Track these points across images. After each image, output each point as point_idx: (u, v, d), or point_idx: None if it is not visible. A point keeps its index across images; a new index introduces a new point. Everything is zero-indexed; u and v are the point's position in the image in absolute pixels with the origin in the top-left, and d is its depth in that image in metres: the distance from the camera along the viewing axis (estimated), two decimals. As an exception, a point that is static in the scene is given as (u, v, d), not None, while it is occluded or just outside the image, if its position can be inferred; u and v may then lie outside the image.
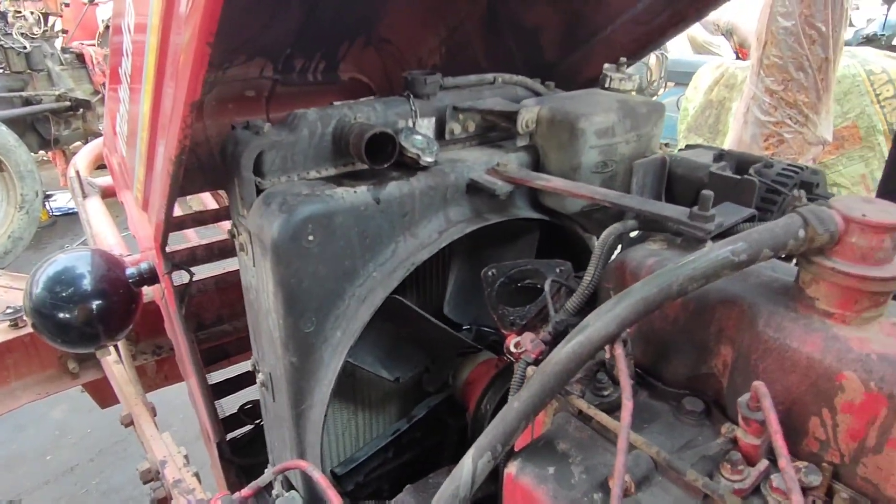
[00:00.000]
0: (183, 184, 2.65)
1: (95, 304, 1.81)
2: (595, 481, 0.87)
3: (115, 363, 2.04)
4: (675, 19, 1.57)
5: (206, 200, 3.00)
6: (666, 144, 7.72)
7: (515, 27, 1.98)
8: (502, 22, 2.03)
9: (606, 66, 1.51)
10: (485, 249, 1.47)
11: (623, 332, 0.82)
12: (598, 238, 1.05)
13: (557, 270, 1.19)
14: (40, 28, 6.73)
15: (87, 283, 1.81)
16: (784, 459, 0.68)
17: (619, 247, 1.16)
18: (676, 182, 1.21)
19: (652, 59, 9.70)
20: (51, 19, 7.16)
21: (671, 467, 0.82)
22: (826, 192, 1.17)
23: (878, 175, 4.67)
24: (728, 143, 3.69)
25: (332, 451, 1.54)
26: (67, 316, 1.79)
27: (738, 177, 1.08)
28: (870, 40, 6.02)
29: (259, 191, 1.23)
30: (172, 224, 2.50)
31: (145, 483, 1.63)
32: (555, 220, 1.44)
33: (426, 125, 1.42)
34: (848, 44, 6.12)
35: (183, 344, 1.74)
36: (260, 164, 1.23)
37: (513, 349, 1.07)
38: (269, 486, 1.40)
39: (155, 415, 1.90)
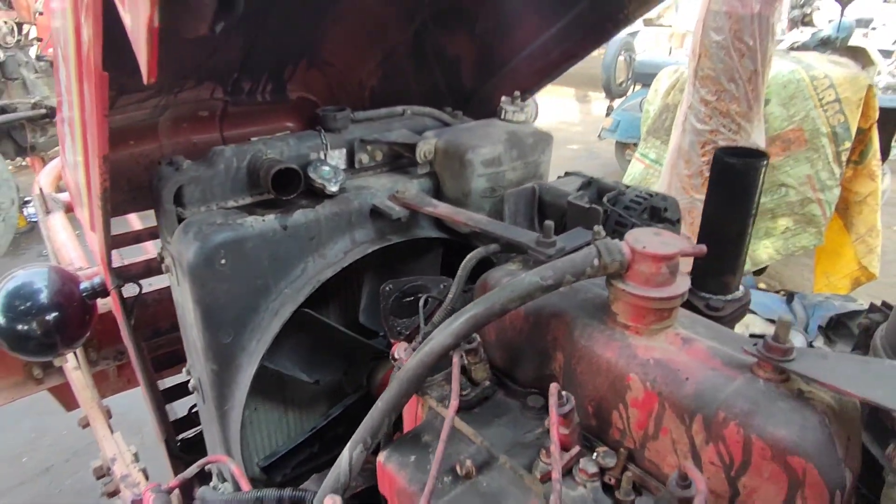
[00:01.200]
0: (138, 201, 2.79)
1: (52, 316, 1.96)
2: (446, 467, 1.05)
3: (75, 369, 2.20)
4: (566, 55, 1.76)
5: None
6: (634, 144, 7.94)
7: (439, 56, 2.16)
8: (427, 50, 2.20)
9: (503, 98, 1.68)
10: (394, 265, 1.64)
11: (459, 343, 1.00)
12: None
13: (441, 286, 1.36)
14: (14, 37, 6.82)
15: (43, 297, 1.97)
16: (553, 445, 0.86)
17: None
18: (546, 207, 1.39)
19: (620, 60, 9.93)
20: (25, 27, 7.24)
21: (492, 455, 1.00)
22: (674, 215, 1.35)
23: (823, 175, 4.89)
24: (669, 151, 3.89)
25: (264, 447, 1.71)
26: (26, 328, 1.94)
27: (588, 206, 1.26)
28: (825, 43, 6.22)
29: (181, 219, 1.39)
30: (129, 239, 2.66)
31: (98, 479, 1.79)
32: (455, 239, 1.61)
33: (337, 156, 1.59)
34: (805, 46, 6.34)
35: (132, 353, 1.90)
36: (181, 196, 1.39)
37: (395, 356, 1.24)
38: (201, 476, 1.57)
39: (110, 417, 2.06)
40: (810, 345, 4.57)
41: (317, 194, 1.47)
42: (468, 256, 1.20)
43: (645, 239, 0.98)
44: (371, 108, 2.64)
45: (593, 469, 0.95)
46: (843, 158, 4.80)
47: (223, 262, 1.32)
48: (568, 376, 1.08)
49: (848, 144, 4.73)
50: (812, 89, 4.78)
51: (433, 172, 1.60)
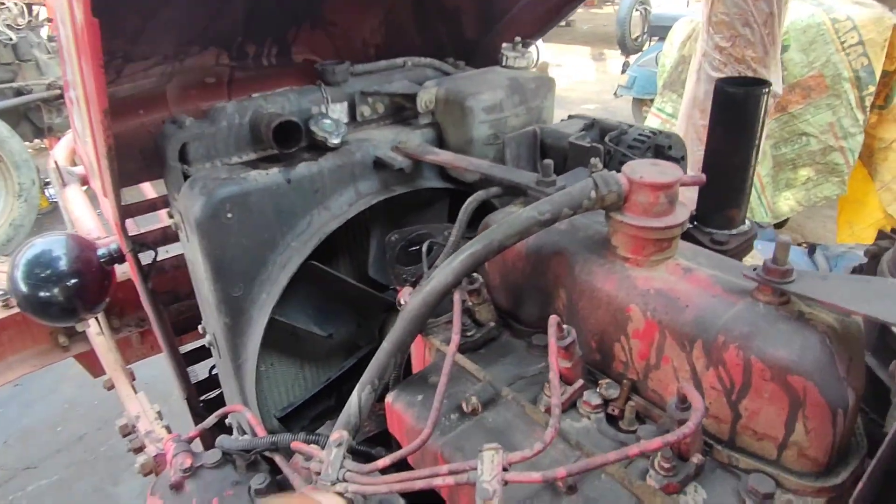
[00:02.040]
0: (151, 170, 2.82)
1: (72, 282, 2.01)
2: (452, 405, 1.07)
3: (98, 335, 2.26)
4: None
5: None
6: (651, 101, 7.78)
7: (439, 8, 2.12)
8: (428, 3, 2.17)
9: (504, 45, 1.65)
10: (400, 217, 1.65)
11: (460, 281, 1.01)
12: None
13: (445, 233, 1.37)
14: (25, 18, 6.85)
15: (62, 265, 2.02)
16: (552, 373, 0.86)
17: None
18: (548, 149, 1.37)
19: (635, 14, 9.67)
20: (35, 8, 7.27)
21: (497, 391, 1.01)
22: (678, 153, 1.33)
23: (846, 122, 4.76)
24: (684, 100, 3.80)
25: (282, 401, 1.75)
26: (48, 294, 2.00)
27: (589, 145, 1.25)
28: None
29: (186, 177, 1.41)
30: (144, 207, 2.70)
31: (124, 436, 1.85)
32: (460, 188, 1.61)
33: (339, 109, 1.59)
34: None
35: (151, 316, 1.94)
36: (185, 154, 1.41)
37: (401, 302, 1.26)
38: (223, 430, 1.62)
39: (134, 379, 2.12)
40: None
41: (319, 148, 1.47)
42: (469, 199, 1.20)
43: (642, 169, 0.96)
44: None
45: (597, 401, 0.96)
46: (867, 104, 4.65)
47: (229, 215, 1.33)
48: (571, 313, 1.08)
49: (872, 89, 4.58)
50: (833, 33, 4.61)
51: (435, 122, 1.59)
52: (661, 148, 1.31)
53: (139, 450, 1.76)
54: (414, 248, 1.41)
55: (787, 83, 4.42)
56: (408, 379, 1.15)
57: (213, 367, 2.22)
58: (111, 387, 2.07)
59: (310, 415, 1.71)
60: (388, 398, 1.12)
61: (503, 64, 1.65)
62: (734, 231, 1.19)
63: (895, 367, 0.86)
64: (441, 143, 1.59)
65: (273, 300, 1.41)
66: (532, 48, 1.63)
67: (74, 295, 2.00)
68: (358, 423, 1.07)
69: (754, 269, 0.87)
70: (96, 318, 2.30)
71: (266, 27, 2.45)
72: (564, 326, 0.95)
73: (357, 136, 1.55)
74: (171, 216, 1.51)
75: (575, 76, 11.55)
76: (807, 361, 0.79)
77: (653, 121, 5.82)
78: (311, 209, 1.45)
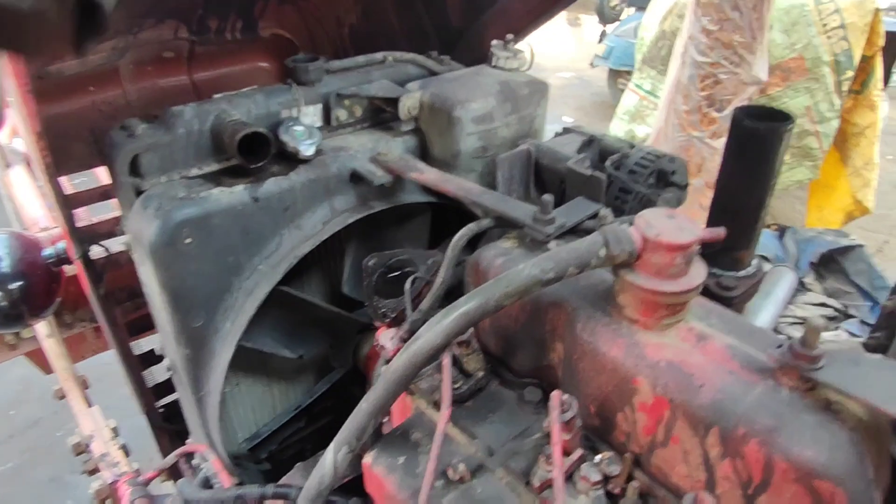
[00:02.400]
0: (103, 154, 2.61)
1: (15, 286, 1.84)
2: (437, 471, 0.98)
3: (49, 336, 2.10)
4: (563, -8, 1.58)
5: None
6: (628, 73, 7.65)
7: (422, -10, 1.95)
8: (409, -16, 1.99)
9: (494, 42, 1.51)
10: (379, 231, 1.53)
11: (450, 342, 0.90)
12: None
13: (429, 262, 1.25)
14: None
15: (4, 267, 1.84)
16: (556, 458, 0.78)
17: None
18: (543, 171, 1.26)
19: (615, -19, 9.43)
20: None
21: (484, 454, 0.92)
22: (682, 180, 1.23)
23: (823, 107, 4.73)
24: (667, 84, 3.69)
25: (249, 422, 1.64)
26: (-11, 298, 1.82)
27: (590, 173, 1.14)
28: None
29: (139, 192, 1.25)
30: (96, 195, 2.50)
31: (77, 455, 1.73)
32: (444, 203, 1.49)
33: (312, 112, 1.43)
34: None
35: (102, 321, 1.79)
36: (137, 166, 1.25)
37: (379, 344, 1.15)
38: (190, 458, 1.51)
39: (87, 387, 1.98)
40: (801, 282, 4.56)
41: (290, 158, 1.33)
42: (458, 235, 1.09)
43: (658, 224, 0.86)
44: (351, 47, 2.45)
45: (596, 477, 0.88)
46: (844, 88, 4.62)
47: (188, 240, 1.19)
48: (568, 370, 0.99)
49: (850, 74, 4.55)
50: (816, 14, 4.54)
51: (419, 129, 1.46)
52: (665, 173, 1.21)
53: (94, 472, 1.64)
54: (394, 275, 1.29)
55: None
56: (387, 437, 1.05)
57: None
58: (62, 397, 1.92)
59: (278, 438, 1.61)
60: (367, 459, 1.02)
61: (493, 64, 1.51)
62: (741, 273, 1.11)
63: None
64: (424, 152, 1.46)
65: (239, 330, 1.29)
66: (525, 48, 1.49)
67: (19, 299, 1.83)
68: (332, 485, 0.97)
69: (779, 346, 0.79)
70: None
71: (230, 1, 2.25)
72: (564, 398, 0.86)
73: (332, 144, 1.41)
74: (123, 233, 1.36)
75: (549, 41, 11.30)
76: (836, 465, 0.71)
77: (630, 97, 5.71)
78: (280, 228, 1.32)
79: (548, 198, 1.03)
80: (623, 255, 0.86)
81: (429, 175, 1.27)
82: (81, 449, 1.70)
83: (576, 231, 1.10)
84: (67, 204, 1.51)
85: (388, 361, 1.12)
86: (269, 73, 2.62)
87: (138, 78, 2.37)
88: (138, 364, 1.89)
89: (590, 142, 1.30)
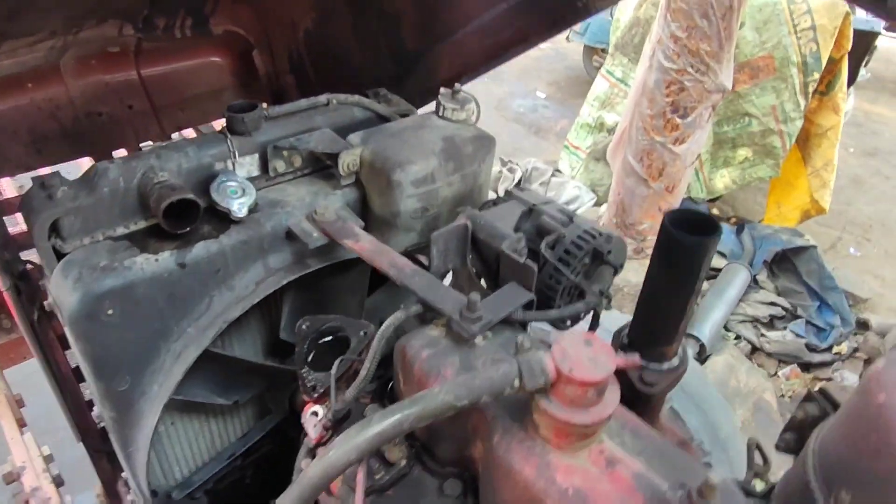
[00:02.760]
0: (43, 155, 2.50)
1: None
2: (354, 564, 0.99)
3: (-19, 349, 2.04)
4: (518, 36, 1.53)
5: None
6: (603, 50, 7.56)
7: (378, 9, 1.88)
8: (365, 2, 1.91)
9: (442, 91, 1.47)
10: (317, 278, 1.50)
11: (363, 458, 0.90)
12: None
13: (361, 333, 1.24)
14: None
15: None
16: None
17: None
18: (480, 245, 1.25)
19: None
20: None
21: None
22: (617, 260, 1.23)
23: (788, 107, 4.76)
24: (633, 86, 3.66)
25: (185, 457, 1.63)
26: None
27: (522, 261, 1.13)
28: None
29: (60, 254, 1.20)
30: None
31: (7, 484, 1.71)
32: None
33: (249, 162, 1.39)
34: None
35: (30, 341, 1.71)
36: (59, 229, 1.20)
37: (303, 422, 1.15)
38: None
39: (22, 405, 1.94)
40: (754, 280, 4.67)
41: (222, 216, 1.29)
42: (385, 325, 1.07)
43: (573, 354, 0.86)
44: (305, 52, 2.36)
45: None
46: (810, 90, 4.65)
47: (110, 312, 1.16)
48: (486, 474, 1.00)
49: (817, 75, 4.57)
50: (788, 14, 4.52)
51: (359, 181, 1.42)
52: (600, 254, 1.21)
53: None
54: (325, 340, 1.28)
55: (737, 61, 4.33)
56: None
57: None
58: (-6, 416, 1.88)
59: (213, 478, 1.61)
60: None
61: (440, 114, 1.47)
62: (665, 367, 1.12)
63: None
64: (364, 206, 1.43)
65: (166, 394, 1.27)
66: (471, 99, 1.45)
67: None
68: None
69: (680, 490, 0.81)
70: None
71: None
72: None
73: (269, 196, 1.37)
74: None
75: (528, 9, 11.05)
76: None
77: (602, 84, 5.67)
78: (210, 291, 1.28)
79: (474, 297, 1.02)
80: (538, 385, 0.86)
81: (363, 244, 1.24)
82: (13, 478, 1.68)
83: (506, 321, 1.10)
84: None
85: (309, 450, 1.12)
86: (222, 68, 2.52)
87: (81, 73, 2.26)
88: (74, 379, 1.83)
89: (529, 212, 1.29)
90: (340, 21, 2.12)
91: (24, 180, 2.58)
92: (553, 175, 5.57)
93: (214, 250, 1.25)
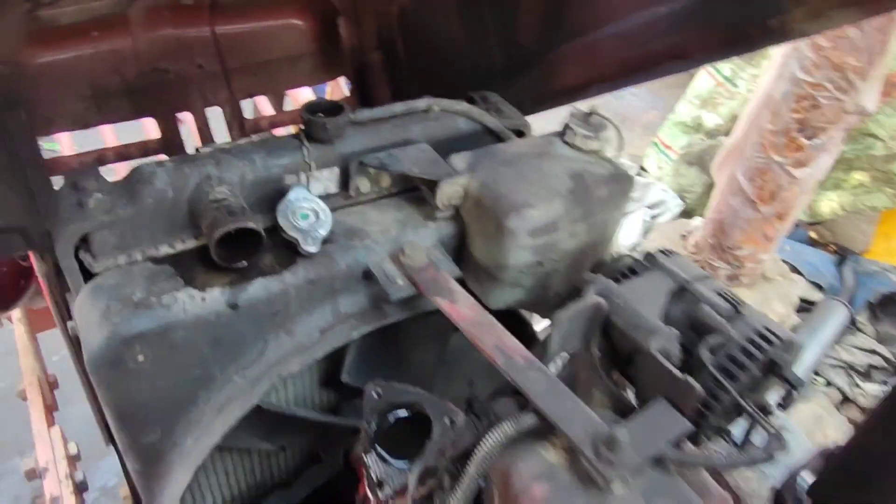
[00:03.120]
0: (104, 112, 2.30)
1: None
2: None
3: (19, 321, 1.89)
4: (674, 52, 1.19)
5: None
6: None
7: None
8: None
9: (573, 113, 1.16)
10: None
11: None
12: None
13: (446, 420, 0.98)
14: None
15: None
16: None
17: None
18: (613, 331, 0.95)
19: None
20: None
21: None
22: (795, 377, 0.92)
23: (921, 131, 4.18)
24: (757, 96, 3.21)
25: (222, 485, 1.43)
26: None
27: (682, 377, 0.83)
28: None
29: (88, 274, 0.98)
30: (88, 163, 2.22)
31: (29, 481, 1.55)
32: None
33: (326, 177, 1.12)
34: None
35: (64, 335, 1.54)
36: (90, 242, 0.97)
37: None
38: None
39: (55, 387, 1.78)
40: (853, 321, 4.18)
41: (287, 246, 1.03)
42: (487, 444, 0.80)
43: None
44: (398, 30, 2.07)
45: None
46: (951, 116, 4.06)
47: (140, 358, 0.93)
48: None
49: (962, 100, 3.98)
50: (941, 25, 3.91)
51: (459, 216, 1.14)
52: (777, 367, 0.90)
53: (48, 506, 1.47)
54: (399, 416, 1.02)
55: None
56: None
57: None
58: (25, 398, 1.73)
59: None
60: None
61: (565, 139, 1.17)
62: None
63: None
64: (461, 247, 1.15)
65: (203, 453, 1.04)
66: (609, 128, 1.14)
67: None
68: None
69: None
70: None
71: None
72: None
73: (347, 222, 1.11)
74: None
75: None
76: None
77: (705, 80, 5.14)
78: (265, 334, 1.04)
79: (619, 434, 0.73)
80: None
81: (461, 311, 0.96)
82: (34, 476, 1.52)
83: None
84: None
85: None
86: (302, 33, 2.27)
87: (151, 25, 2.04)
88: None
89: (680, 291, 0.98)
90: (444, 4, 1.81)
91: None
92: (637, 174, 5.15)
93: (275, 290, 1.00)
